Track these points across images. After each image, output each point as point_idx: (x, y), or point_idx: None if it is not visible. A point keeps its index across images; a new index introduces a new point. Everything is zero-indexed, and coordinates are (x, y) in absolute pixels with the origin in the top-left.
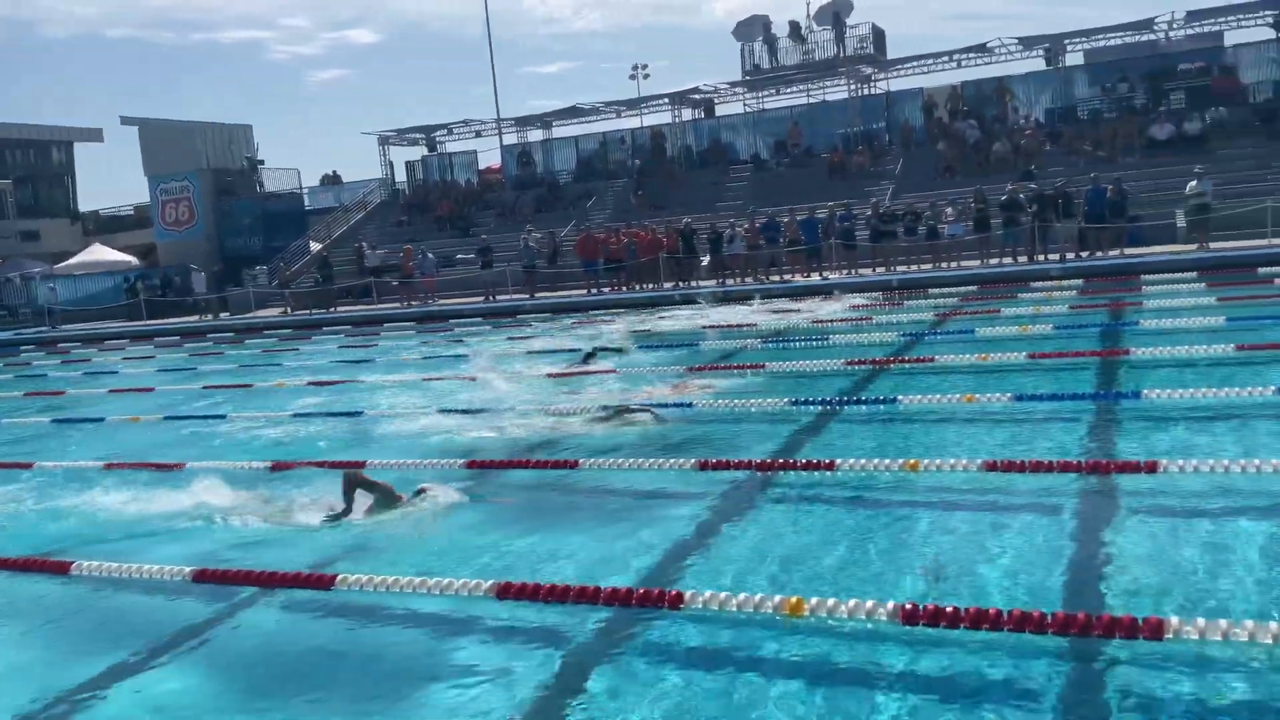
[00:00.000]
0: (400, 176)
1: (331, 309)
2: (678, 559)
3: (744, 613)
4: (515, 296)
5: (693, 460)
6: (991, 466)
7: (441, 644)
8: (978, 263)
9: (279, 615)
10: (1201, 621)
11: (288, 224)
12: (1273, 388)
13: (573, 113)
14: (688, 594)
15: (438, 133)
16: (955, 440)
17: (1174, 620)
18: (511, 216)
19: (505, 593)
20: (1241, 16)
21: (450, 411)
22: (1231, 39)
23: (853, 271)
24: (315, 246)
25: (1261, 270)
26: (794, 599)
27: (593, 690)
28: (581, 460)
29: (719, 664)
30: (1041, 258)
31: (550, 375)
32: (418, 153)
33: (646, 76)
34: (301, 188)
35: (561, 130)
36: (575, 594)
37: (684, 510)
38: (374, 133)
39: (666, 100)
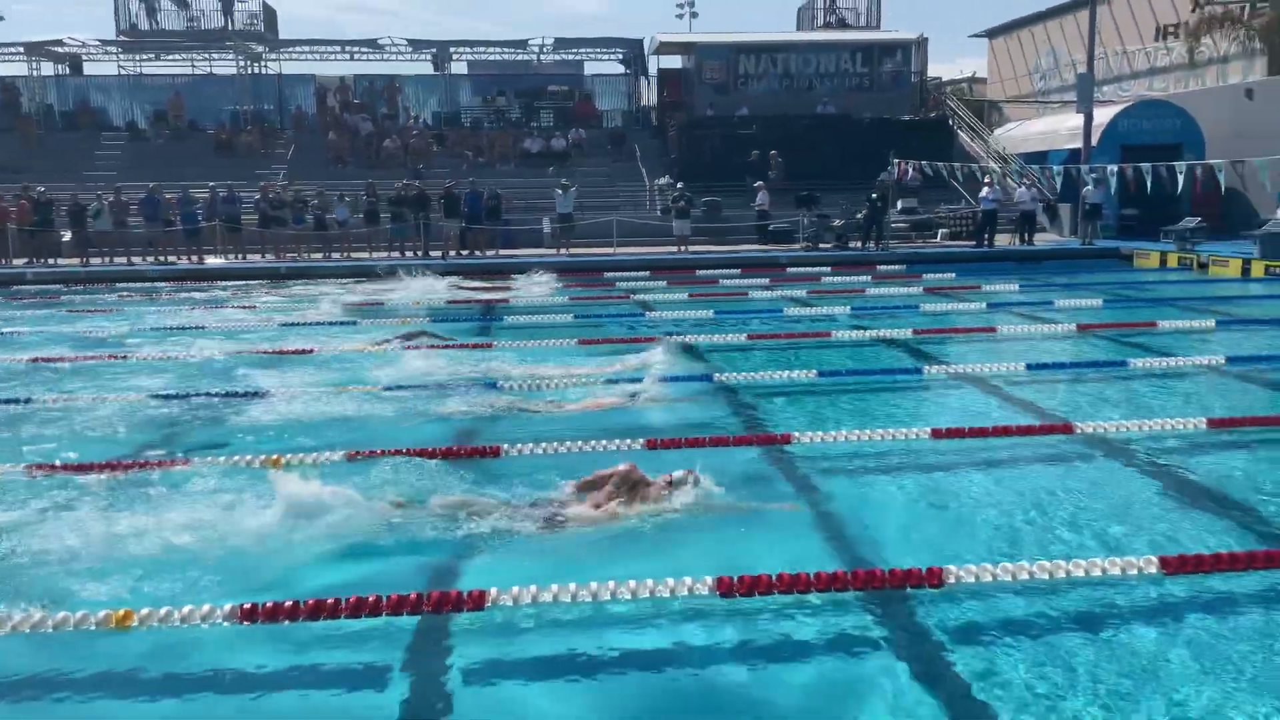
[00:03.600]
0: None
1: None
2: None
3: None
4: None
5: None
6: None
7: None
8: (367, 254)
9: None
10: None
11: None
12: (597, 367)
13: None
14: None
15: None
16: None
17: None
18: None
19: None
20: (599, 50)
21: None
22: (590, 69)
23: (239, 256)
24: None
25: (606, 274)
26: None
27: None
28: None
29: None
30: (424, 254)
31: None
32: None
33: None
34: None
35: None
36: None
37: None
38: None
39: (21, 50)
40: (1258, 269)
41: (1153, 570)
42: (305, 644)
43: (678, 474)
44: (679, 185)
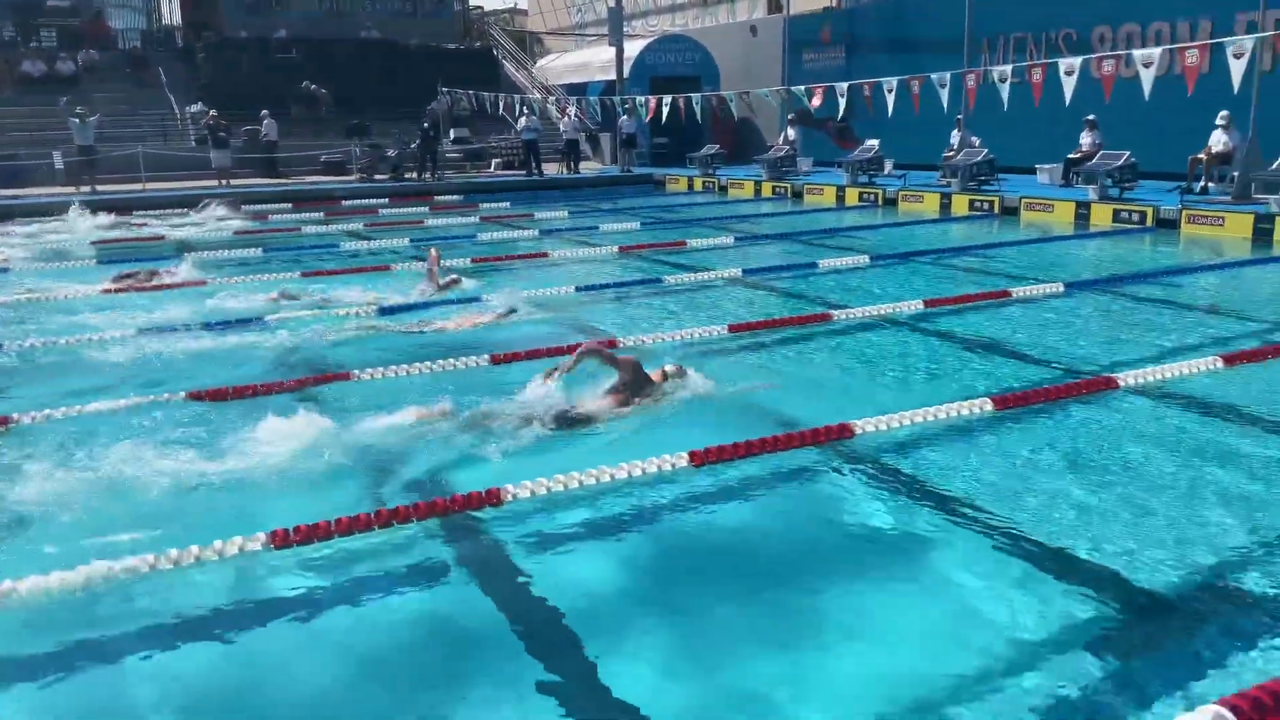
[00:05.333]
0: None
1: None
2: None
3: None
4: None
5: None
6: None
7: None
8: None
9: None
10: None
11: None
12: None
13: None
14: None
15: None
16: None
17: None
18: None
19: None
20: None
21: None
22: None
23: None
24: None
25: (136, 212)
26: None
27: None
28: None
29: None
30: None
31: None
32: None
33: None
34: None
35: None
36: None
37: None
38: None
39: None
40: (766, 189)
41: (677, 464)
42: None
43: (670, 367)
44: (212, 113)
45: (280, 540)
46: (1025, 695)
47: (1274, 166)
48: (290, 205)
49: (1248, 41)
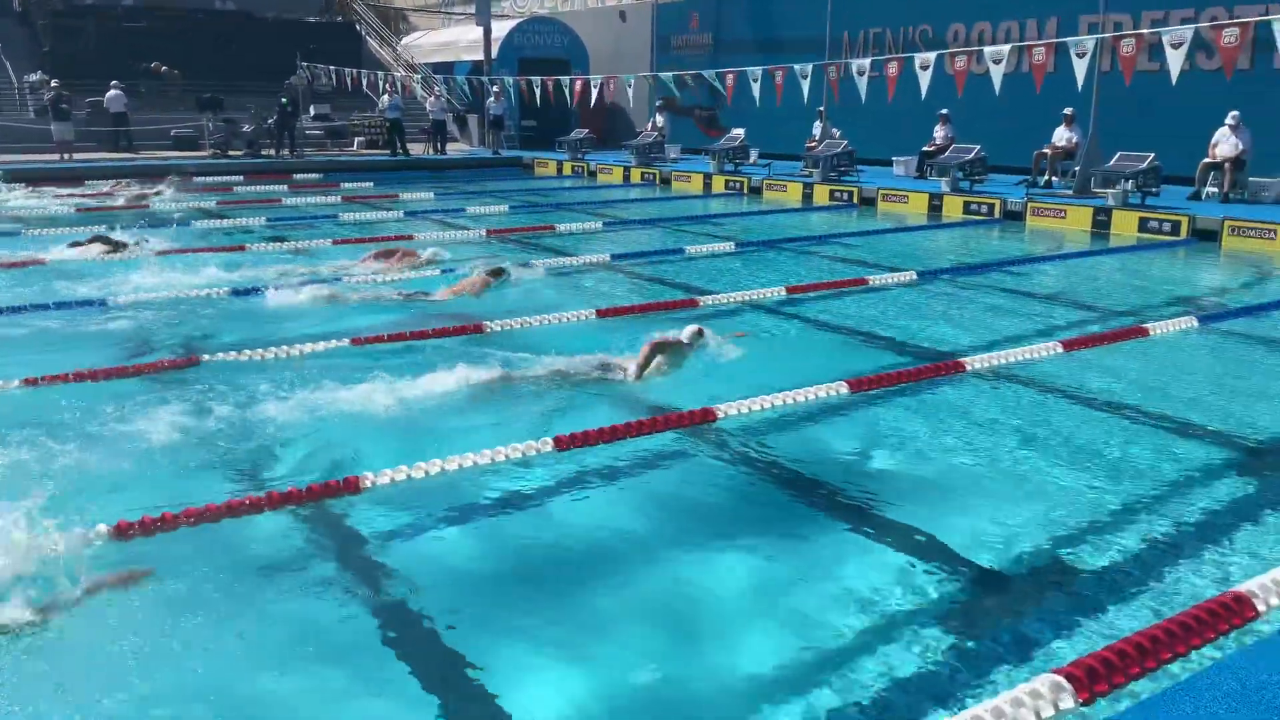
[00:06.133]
0: None
1: None
2: None
3: None
4: None
5: None
6: None
7: None
8: None
9: None
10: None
11: None
12: None
13: None
14: None
15: None
16: None
17: None
18: None
19: None
20: None
21: None
22: None
23: None
24: None
25: None
26: None
27: None
28: None
29: None
30: None
31: None
32: None
33: None
34: None
35: None
36: None
37: None
38: None
39: None
40: (635, 175)
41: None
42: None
43: (688, 332)
44: (54, 83)
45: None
46: (870, 668)
47: (1111, 162)
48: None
49: (1089, 41)
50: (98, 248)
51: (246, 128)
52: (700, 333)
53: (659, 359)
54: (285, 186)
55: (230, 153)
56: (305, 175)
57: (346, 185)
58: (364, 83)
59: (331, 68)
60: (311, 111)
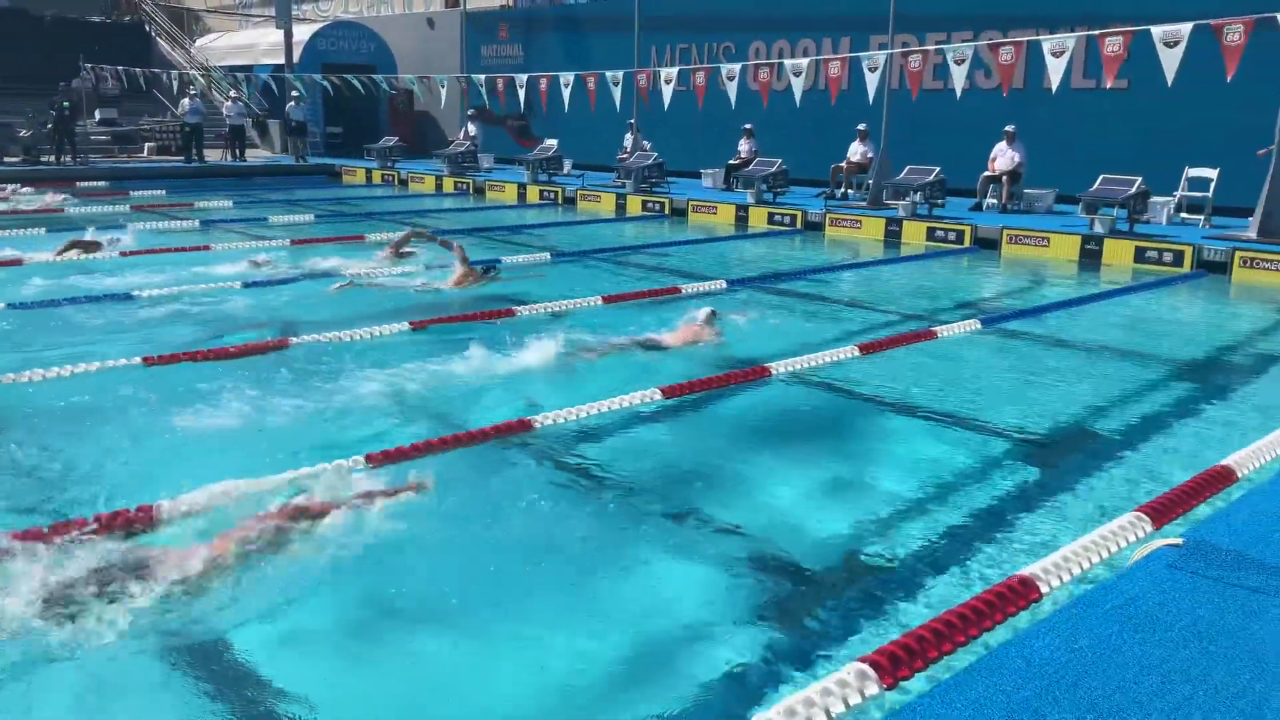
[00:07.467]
0: None
1: None
2: None
3: None
4: None
5: None
6: None
7: None
8: None
9: None
10: None
11: None
12: None
13: None
14: None
15: None
16: None
17: None
18: None
19: None
20: None
21: None
22: None
23: None
24: None
25: None
26: None
27: None
28: None
29: None
30: None
31: None
32: None
33: None
34: None
35: None
36: None
37: None
38: None
39: None
40: (448, 184)
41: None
42: None
43: (704, 312)
44: None
45: None
46: (683, 665)
47: (901, 176)
48: None
49: (880, 56)
50: None
51: (24, 133)
52: (714, 314)
53: (709, 330)
54: (68, 195)
55: (6, 159)
56: (90, 183)
57: (136, 194)
58: (154, 85)
59: (119, 69)
60: (97, 116)
